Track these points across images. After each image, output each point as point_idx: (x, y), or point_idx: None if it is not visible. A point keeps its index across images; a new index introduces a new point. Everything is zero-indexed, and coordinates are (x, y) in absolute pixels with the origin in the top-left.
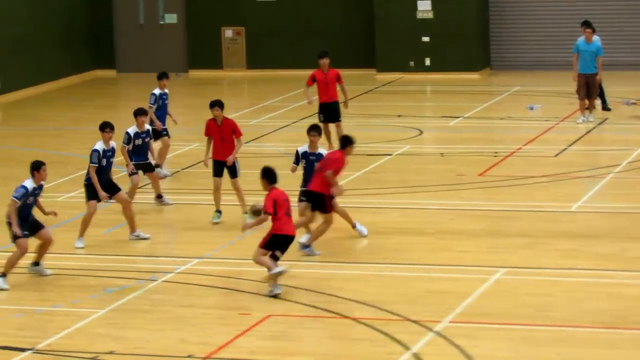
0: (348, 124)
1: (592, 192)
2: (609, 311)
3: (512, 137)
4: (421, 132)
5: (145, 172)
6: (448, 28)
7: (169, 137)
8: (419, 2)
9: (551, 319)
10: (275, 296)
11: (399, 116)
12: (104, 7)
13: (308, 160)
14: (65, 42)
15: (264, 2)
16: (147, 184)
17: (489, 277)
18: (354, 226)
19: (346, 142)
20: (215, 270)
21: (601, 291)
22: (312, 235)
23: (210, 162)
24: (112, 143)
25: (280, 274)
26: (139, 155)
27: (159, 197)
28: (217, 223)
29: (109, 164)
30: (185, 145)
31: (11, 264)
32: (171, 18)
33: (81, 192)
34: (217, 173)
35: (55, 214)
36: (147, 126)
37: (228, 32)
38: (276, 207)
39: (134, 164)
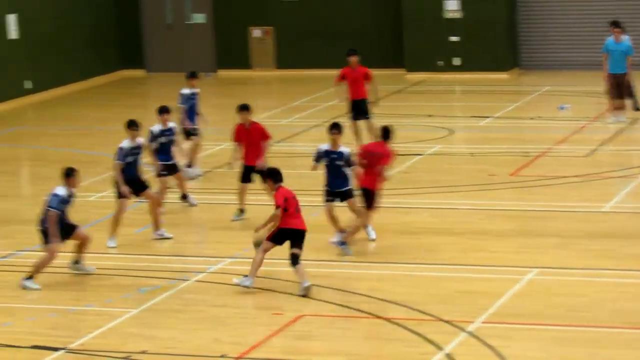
0: (378, 124)
1: (625, 192)
2: None
3: (542, 137)
4: (451, 132)
5: (170, 173)
6: (477, 27)
7: (199, 136)
8: (447, 2)
9: (584, 319)
10: (239, 284)
11: (429, 116)
12: (133, 7)
13: (330, 159)
14: (94, 42)
15: (291, 2)
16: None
17: (521, 278)
18: (365, 226)
19: (388, 132)
20: (247, 269)
21: (634, 292)
22: (349, 232)
23: (238, 165)
24: (139, 139)
25: (246, 286)
26: (164, 155)
27: (184, 197)
28: (236, 220)
29: (136, 160)
30: (216, 145)
31: (38, 268)
32: (199, 18)
33: (112, 191)
34: (246, 179)
35: None
36: (171, 124)
37: (256, 32)
38: (286, 204)
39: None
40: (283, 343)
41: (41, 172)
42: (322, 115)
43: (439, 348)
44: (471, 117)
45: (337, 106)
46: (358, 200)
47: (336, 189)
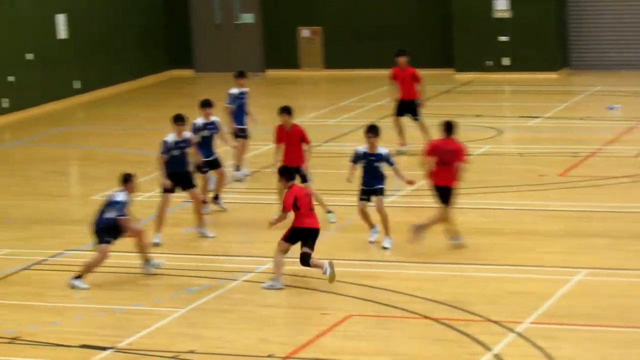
0: (427, 124)
1: None
2: None
3: (592, 137)
4: (500, 132)
5: (212, 168)
6: (526, 27)
7: (247, 137)
8: (496, 2)
9: (633, 320)
10: (270, 288)
11: (477, 116)
12: (181, 7)
13: (368, 160)
14: (143, 42)
15: (340, 1)
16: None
17: (570, 278)
18: (373, 226)
19: (452, 127)
20: (295, 269)
21: None
22: (428, 223)
23: (279, 166)
24: (186, 134)
25: (278, 288)
26: (205, 150)
27: (216, 198)
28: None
29: (183, 154)
30: (264, 144)
31: (89, 268)
32: (248, 18)
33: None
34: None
35: None
36: (214, 118)
37: (305, 32)
38: (298, 203)
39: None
40: (331, 343)
41: (90, 172)
42: (370, 115)
43: (488, 349)
44: (520, 117)
45: (385, 106)
46: (434, 199)
47: (371, 187)
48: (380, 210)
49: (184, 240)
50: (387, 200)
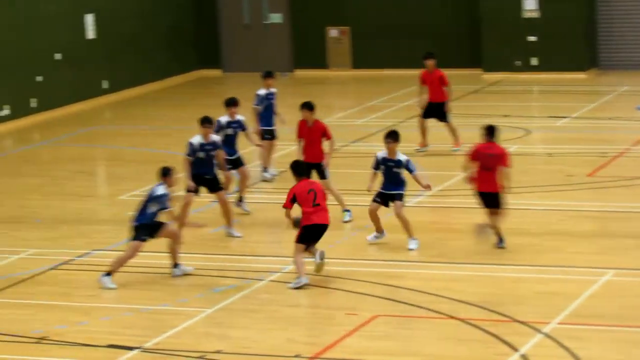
0: (454, 124)
1: None
2: None
3: (620, 138)
4: (528, 132)
5: (234, 167)
6: (555, 27)
7: (274, 138)
8: (525, 2)
9: None
10: (300, 287)
11: (505, 116)
12: (209, 7)
13: (387, 166)
14: (171, 42)
15: (368, 1)
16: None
17: (598, 279)
18: (381, 232)
19: (494, 131)
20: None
21: None
22: (490, 224)
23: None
24: (213, 137)
25: (305, 284)
26: (229, 149)
27: (240, 200)
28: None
29: (209, 157)
30: (292, 144)
31: (119, 263)
32: (276, 18)
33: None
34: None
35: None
36: (238, 116)
37: (333, 32)
38: (298, 199)
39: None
40: (357, 343)
41: (117, 172)
42: (398, 115)
43: (514, 349)
44: (548, 117)
45: (413, 106)
46: (477, 205)
47: (389, 192)
48: (399, 215)
49: (210, 240)
50: (414, 200)
